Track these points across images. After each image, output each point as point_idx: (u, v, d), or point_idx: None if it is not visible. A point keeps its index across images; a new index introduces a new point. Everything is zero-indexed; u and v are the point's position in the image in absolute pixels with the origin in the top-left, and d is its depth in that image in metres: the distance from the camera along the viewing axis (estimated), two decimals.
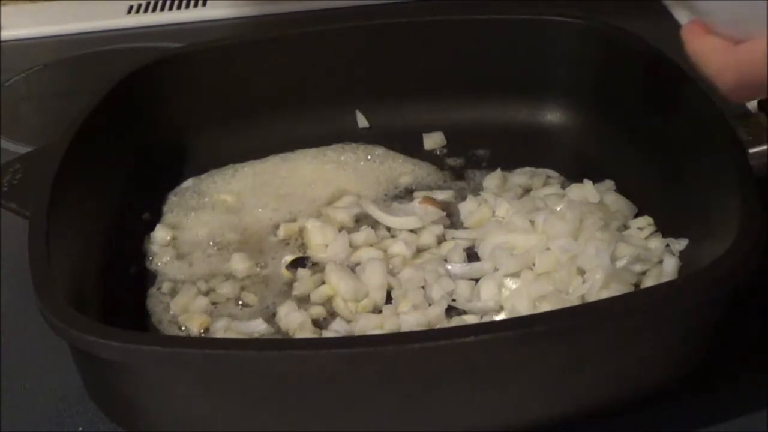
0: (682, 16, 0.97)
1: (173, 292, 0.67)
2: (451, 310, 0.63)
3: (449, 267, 0.66)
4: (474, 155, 0.77)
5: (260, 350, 0.52)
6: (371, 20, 0.81)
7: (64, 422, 0.60)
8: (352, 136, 0.80)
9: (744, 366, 0.60)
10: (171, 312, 0.65)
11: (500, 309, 0.62)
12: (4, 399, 0.62)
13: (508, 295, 0.63)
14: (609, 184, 0.71)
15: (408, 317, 0.62)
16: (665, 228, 0.66)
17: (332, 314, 0.64)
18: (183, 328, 0.64)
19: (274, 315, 0.64)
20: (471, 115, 0.80)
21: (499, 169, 0.74)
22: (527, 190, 0.73)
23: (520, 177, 0.74)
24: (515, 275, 0.63)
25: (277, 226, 0.71)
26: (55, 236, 0.59)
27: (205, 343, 0.58)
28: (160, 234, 0.71)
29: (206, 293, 0.66)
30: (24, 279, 0.56)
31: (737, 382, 0.59)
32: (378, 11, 1.02)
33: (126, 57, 0.96)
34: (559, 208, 0.66)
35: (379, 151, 0.78)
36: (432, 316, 0.62)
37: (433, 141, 0.79)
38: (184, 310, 0.65)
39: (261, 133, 0.79)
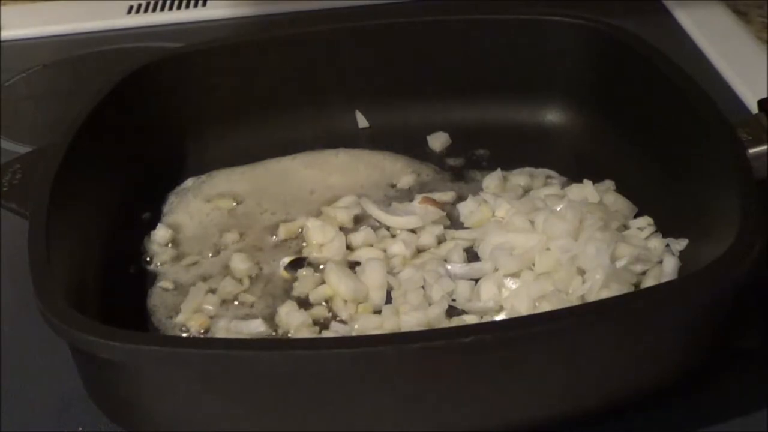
0: (682, 16, 0.97)
1: (173, 292, 0.67)
2: (451, 310, 0.63)
3: (449, 267, 0.66)
4: (474, 155, 0.77)
5: (260, 350, 0.52)
6: (371, 20, 0.81)
7: (64, 422, 0.60)
8: (352, 136, 0.80)
9: (744, 366, 0.60)
10: (178, 315, 0.65)
11: (500, 309, 0.62)
12: (4, 399, 0.62)
13: (508, 295, 0.63)
14: (609, 184, 0.71)
15: (408, 317, 0.62)
16: (665, 228, 0.66)
17: (332, 314, 0.64)
18: (183, 328, 0.64)
19: (274, 315, 0.64)
20: (471, 115, 0.80)
21: (499, 169, 0.74)
22: (527, 191, 0.72)
23: (520, 177, 0.74)
24: (515, 275, 0.63)
25: (276, 227, 0.71)
26: (55, 236, 0.59)
27: (205, 343, 0.59)
28: (160, 234, 0.71)
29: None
30: (24, 279, 0.56)
31: (737, 382, 0.59)
32: (378, 11, 1.02)
33: (126, 57, 0.95)
34: (559, 208, 0.66)
35: (379, 151, 0.78)
36: (432, 316, 0.62)
37: (439, 141, 0.79)
38: (196, 311, 0.65)
39: (261, 133, 0.79)
